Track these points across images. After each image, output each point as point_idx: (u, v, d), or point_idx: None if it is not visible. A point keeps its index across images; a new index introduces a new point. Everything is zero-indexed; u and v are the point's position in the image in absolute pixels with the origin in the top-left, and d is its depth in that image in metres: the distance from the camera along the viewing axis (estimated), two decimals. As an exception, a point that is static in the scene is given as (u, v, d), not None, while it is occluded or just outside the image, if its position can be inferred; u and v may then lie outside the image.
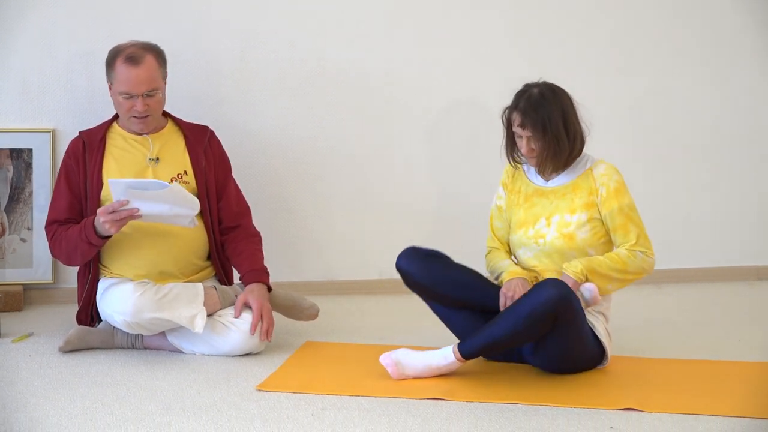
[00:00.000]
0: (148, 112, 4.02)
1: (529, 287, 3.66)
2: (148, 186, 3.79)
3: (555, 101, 3.68)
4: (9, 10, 4.58)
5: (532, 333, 3.53)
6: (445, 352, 3.63)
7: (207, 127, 4.24)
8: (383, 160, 4.92)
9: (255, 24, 4.76)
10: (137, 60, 3.97)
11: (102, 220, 3.82)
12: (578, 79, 4.97)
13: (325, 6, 4.80)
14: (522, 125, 3.68)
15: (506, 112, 3.75)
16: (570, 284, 3.59)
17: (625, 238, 3.69)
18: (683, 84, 5.07)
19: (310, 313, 4.14)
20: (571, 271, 3.63)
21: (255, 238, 4.19)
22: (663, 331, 4.32)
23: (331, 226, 4.91)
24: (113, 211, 3.80)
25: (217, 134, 4.24)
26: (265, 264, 4.13)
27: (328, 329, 4.33)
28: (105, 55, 4.10)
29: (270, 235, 4.75)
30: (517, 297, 3.62)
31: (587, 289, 3.62)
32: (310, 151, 4.86)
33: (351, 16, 4.82)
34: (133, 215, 3.81)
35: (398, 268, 3.80)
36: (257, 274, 4.06)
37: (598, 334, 3.69)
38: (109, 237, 3.90)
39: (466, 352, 3.59)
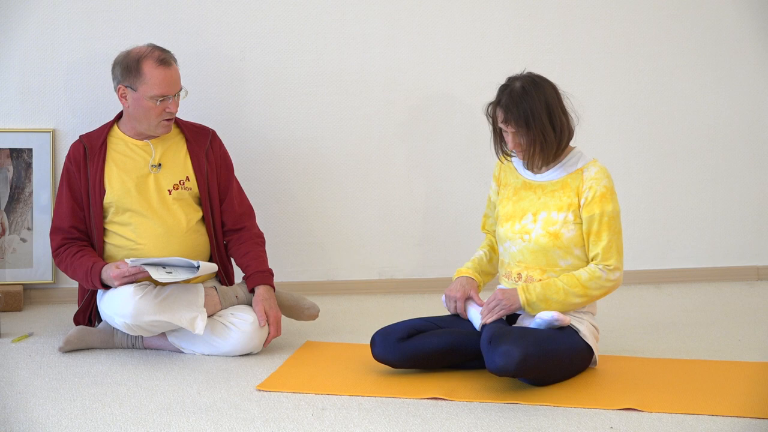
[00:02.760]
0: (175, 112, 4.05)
1: (469, 287, 3.77)
2: (174, 262, 3.86)
3: (538, 94, 3.60)
4: (9, 10, 4.58)
5: None
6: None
7: (209, 129, 4.23)
8: (383, 161, 4.92)
9: (254, 25, 4.76)
10: (168, 61, 4.00)
11: (116, 283, 3.87)
12: (579, 78, 4.98)
13: (324, 7, 4.80)
14: (505, 121, 3.63)
15: (489, 108, 3.70)
16: (519, 304, 3.63)
17: (594, 246, 3.64)
18: (683, 84, 5.06)
19: (311, 314, 4.15)
20: (523, 298, 3.63)
21: (259, 239, 4.20)
22: (663, 331, 4.32)
23: (331, 226, 4.91)
24: (127, 275, 3.86)
25: (217, 135, 4.25)
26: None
27: (328, 329, 4.33)
28: (106, 55, 4.10)
29: (270, 235, 4.75)
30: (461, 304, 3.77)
31: (544, 320, 3.60)
32: (309, 151, 4.86)
33: (350, 17, 4.82)
34: (144, 275, 3.86)
35: (374, 356, 3.73)
36: (264, 276, 4.07)
37: (584, 338, 3.67)
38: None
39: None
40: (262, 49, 4.78)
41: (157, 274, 3.78)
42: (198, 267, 3.83)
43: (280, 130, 4.82)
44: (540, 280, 3.68)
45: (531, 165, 3.72)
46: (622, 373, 3.74)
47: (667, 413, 3.35)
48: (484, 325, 3.65)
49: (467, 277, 3.83)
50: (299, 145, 4.84)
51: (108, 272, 3.89)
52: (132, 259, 3.87)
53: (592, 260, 3.66)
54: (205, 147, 4.16)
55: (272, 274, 4.10)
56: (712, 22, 5.04)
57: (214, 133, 4.23)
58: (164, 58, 3.99)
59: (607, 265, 3.63)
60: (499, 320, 3.66)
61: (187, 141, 4.14)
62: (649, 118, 5.07)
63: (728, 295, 4.92)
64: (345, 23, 4.82)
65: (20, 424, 3.25)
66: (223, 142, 4.26)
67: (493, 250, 3.92)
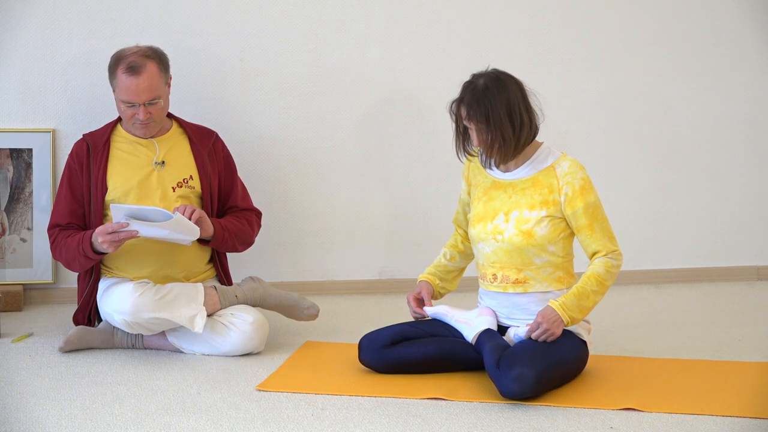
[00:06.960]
0: (150, 120, 4.01)
1: (419, 289, 3.86)
2: (151, 215, 3.77)
3: (499, 92, 3.58)
4: (9, 10, 4.58)
5: None
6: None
7: (212, 131, 4.23)
8: (383, 160, 4.92)
9: (254, 25, 4.76)
10: (138, 69, 3.95)
11: (100, 240, 3.82)
12: (579, 78, 4.98)
13: (324, 7, 4.80)
14: (468, 118, 3.61)
15: (453, 106, 3.68)
16: (559, 324, 3.56)
17: (589, 240, 3.61)
18: (683, 83, 5.06)
19: (310, 313, 4.15)
20: (566, 318, 3.56)
21: (250, 221, 4.18)
22: (663, 331, 4.32)
23: (331, 227, 4.91)
24: (112, 232, 3.80)
25: (220, 137, 4.25)
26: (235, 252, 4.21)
27: (328, 329, 4.33)
28: (106, 55, 4.10)
29: (270, 235, 4.76)
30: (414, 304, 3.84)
31: (520, 336, 3.60)
32: (310, 151, 4.86)
33: (350, 17, 4.82)
34: (131, 236, 3.81)
35: (360, 361, 3.76)
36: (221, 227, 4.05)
37: (578, 335, 3.65)
38: (106, 253, 3.90)
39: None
40: (262, 49, 4.78)
41: (141, 228, 3.77)
42: (173, 218, 3.77)
43: (279, 130, 4.82)
44: (517, 280, 3.66)
45: (489, 162, 3.69)
46: (622, 373, 3.75)
47: (667, 413, 3.35)
48: (478, 338, 3.64)
49: (423, 281, 3.90)
50: (299, 145, 4.84)
51: (96, 237, 3.84)
52: (114, 204, 3.82)
53: (593, 255, 3.64)
54: (207, 148, 4.16)
55: (223, 232, 4.04)
56: (712, 22, 5.04)
57: (217, 135, 4.23)
58: (134, 66, 3.95)
59: (613, 253, 3.62)
60: (492, 332, 3.65)
61: (191, 141, 4.15)
62: (649, 117, 5.06)
63: (728, 295, 4.92)
64: (345, 23, 4.82)
65: (20, 424, 3.25)
66: (223, 142, 4.26)
67: (455, 247, 3.92)
